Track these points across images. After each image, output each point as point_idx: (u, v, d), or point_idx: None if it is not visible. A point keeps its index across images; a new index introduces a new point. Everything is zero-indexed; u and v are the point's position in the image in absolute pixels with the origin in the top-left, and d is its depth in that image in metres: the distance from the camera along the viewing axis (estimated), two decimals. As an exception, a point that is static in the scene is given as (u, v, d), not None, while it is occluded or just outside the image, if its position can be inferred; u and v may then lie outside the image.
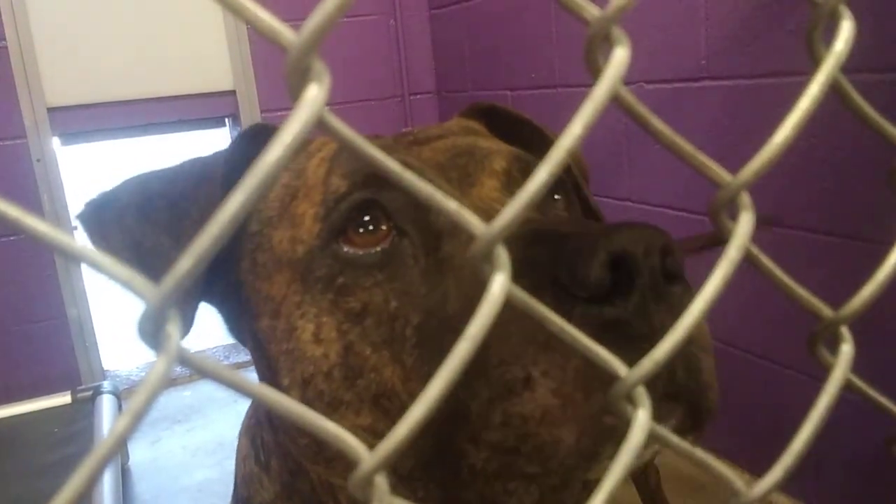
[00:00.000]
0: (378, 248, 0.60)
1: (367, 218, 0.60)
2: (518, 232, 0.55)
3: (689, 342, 0.48)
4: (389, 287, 0.59)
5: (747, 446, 2.02)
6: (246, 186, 0.25)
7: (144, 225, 0.66)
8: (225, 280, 0.70)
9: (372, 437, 0.57)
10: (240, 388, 0.27)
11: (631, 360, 0.34)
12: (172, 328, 0.25)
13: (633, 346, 0.43)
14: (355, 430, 0.59)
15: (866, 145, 1.56)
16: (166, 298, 0.24)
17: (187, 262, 0.24)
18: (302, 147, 0.71)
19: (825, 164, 1.68)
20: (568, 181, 0.76)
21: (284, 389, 0.63)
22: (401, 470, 0.58)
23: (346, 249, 0.61)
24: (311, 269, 0.62)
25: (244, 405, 0.96)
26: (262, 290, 0.66)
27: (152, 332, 0.25)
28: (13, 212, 0.24)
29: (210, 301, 0.73)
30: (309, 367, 0.61)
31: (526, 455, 0.48)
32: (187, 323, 0.64)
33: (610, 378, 0.34)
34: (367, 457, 0.29)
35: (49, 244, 0.24)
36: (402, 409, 0.49)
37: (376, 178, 0.60)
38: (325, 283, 0.61)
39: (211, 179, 0.66)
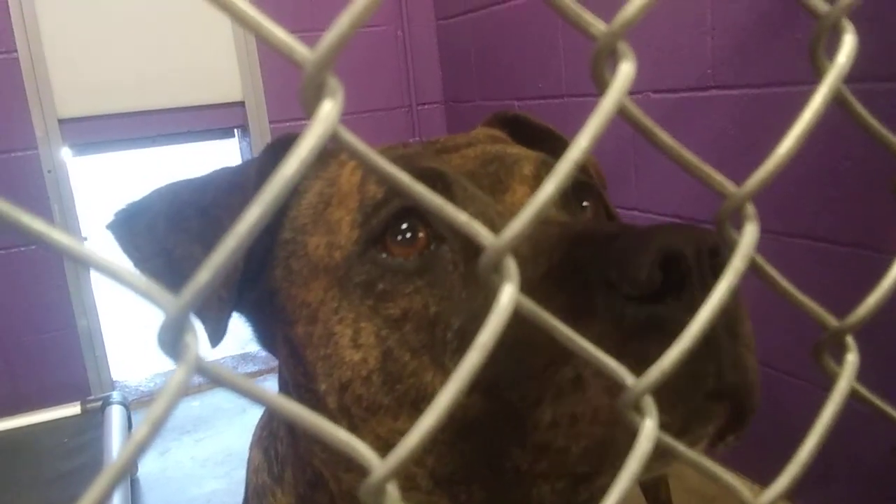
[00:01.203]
0: (417, 255, 0.61)
1: (405, 225, 0.61)
2: (562, 233, 0.55)
3: (736, 340, 0.49)
4: (429, 293, 0.59)
5: (753, 455, 2.01)
6: (263, 199, 0.25)
7: (176, 234, 0.67)
8: (258, 289, 0.70)
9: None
10: (256, 398, 0.28)
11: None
12: (191, 338, 0.26)
13: None
14: (393, 434, 0.60)
15: (872, 154, 1.56)
16: (185, 309, 0.25)
17: (206, 273, 0.25)
18: (333, 156, 0.72)
19: (831, 172, 1.68)
20: (596, 188, 0.76)
21: (321, 395, 0.64)
22: (440, 475, 0.58)
23: (384, 256, 0.61)
24: (350, 275, 0.62)
25: (253, 416, 0.97)
26: (299, 297, 0.66)
27: (171, 342, 0.25)
28: (38, 225, 0.25)
29: (242, 311, 0.73)
30: (347, 371, 0.61)
31: (576, 455, 0.49)
32: (221, 333, 0.65)
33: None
34: (379, 465, 0.29)
35: (70, 256, 0.25)
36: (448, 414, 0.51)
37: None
38: (364, 288, 0.61)
39: (243, 188, 0.67)
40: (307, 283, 0.66)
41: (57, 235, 0.25)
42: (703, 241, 0.45)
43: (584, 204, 0.73)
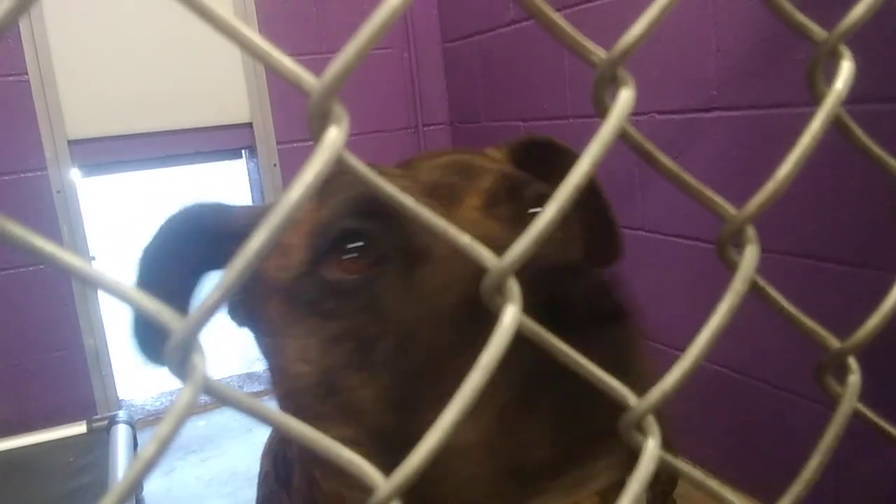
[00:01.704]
0: (361, 275, 0.62)
1: (351, 245, 0.63)
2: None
3: (625, 378, 0.48)
4: (370, 312, 0.61)
5: (761, 475, 2.00)
6: (270, 223, 0.26)
7: (165, 271, 0.74)
8: (243, 311, 0.75)
9: (354, 446, 0.60)
10: (262, 417, 0.28)
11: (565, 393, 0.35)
12: (198, 358, 0.26)
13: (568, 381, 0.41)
14: (341, 439, 0.62)
15: (877, 173, 1.56)
16: (193, 329, 0.26)
17: (215, 294, 0.26)
18: None
19: (835, 191, 1.69)
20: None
21: (279, 403, 0.69)
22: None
23: (330, 276, 0.63)
24: (298, 293, 0.65)
25: (259, 435, 0.98)
26: (263, 315, 0.71)
27: (179, 362, 0.26)
28: (48, 247, 0.25)
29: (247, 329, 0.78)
30: (295, 382, 0.65)
31: (451, 487, 0.49)
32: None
33: (531, 418, 0.37)
34: (383, 484, 0.30)
35: (79, 277, 0.26)
36: (379, 427, 0.56)
37: (359, 208, 0.64)
38: (310, 306, 0.64)
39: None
40: (266, 303, 0.70)
41: (66, 257, 0.26)
42: (585, 279, 0.45)
43: (536, 210, 0.72)
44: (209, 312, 0.26)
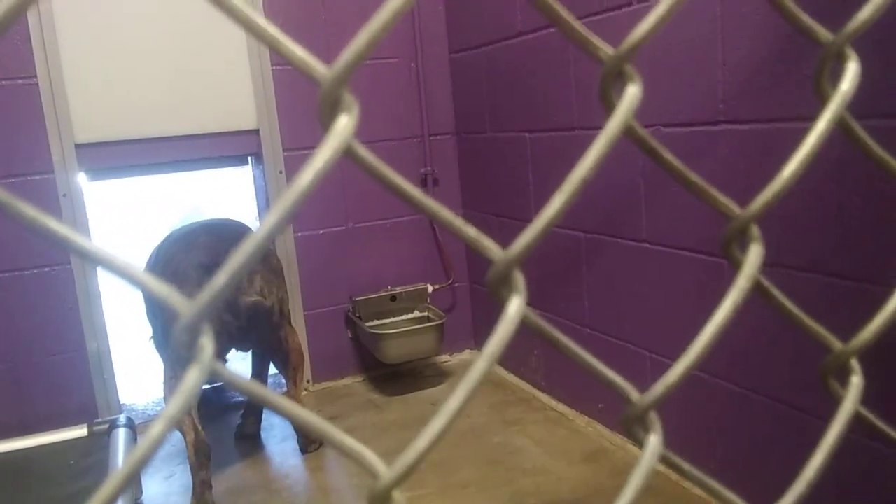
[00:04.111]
0: None
1: None
2: None
3: None
4: None
5: (762, 485, 1.99)
6: (280, 206, 0.26)
7: None
8: None
9: None
10: (267, 401, 0.28)
11: None
12: (206, 341, 0.26)
13: None
14: None
15: (882, 189, 1.56)
16: (202, 312, 0.26)
17: (223, 277, 0.26)
18: None
19: (840, 208, 1.69)
20: None
21: None
22: None
23: None
24: None
25: (253, 443, 0.97)
26: None
27: (187, 344, 0.26)
28: (63, 230, 0.26)
29: None
30: None
31: None
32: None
33: None
34: (386, 472, 0.30)
35: (93, 260, 0.26)
36: None
37: None
38: None
39: None
40: None
41: (79, 239, 0.26)
42: None
43: None
44: (218, 296, 0.26)
